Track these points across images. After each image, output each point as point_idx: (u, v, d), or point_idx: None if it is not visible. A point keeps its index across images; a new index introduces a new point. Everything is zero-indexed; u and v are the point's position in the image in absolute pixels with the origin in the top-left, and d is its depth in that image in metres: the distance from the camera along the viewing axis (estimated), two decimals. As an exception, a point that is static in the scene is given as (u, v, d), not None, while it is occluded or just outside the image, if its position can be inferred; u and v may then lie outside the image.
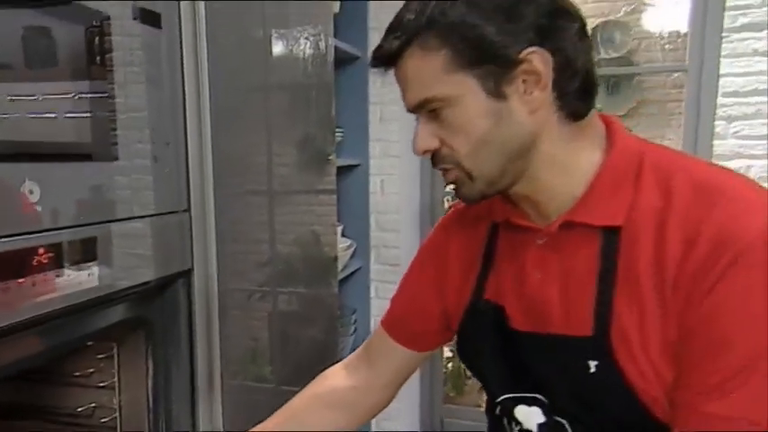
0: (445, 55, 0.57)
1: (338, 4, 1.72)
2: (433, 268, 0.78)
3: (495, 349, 0.67)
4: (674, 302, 0.54)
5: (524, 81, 0.57)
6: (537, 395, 0.64)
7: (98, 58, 0.71)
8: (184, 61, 0.88)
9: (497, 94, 0.57)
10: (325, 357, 1.43)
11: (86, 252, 0.71)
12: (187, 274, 0.91)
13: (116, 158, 0.75)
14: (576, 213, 0.60)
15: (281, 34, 1.20)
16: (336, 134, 1.68)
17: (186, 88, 0.88)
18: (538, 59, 0.56)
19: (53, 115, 0.66)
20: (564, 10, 0.58)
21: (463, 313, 0.72)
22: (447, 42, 0.56)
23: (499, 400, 0.68)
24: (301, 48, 1.28)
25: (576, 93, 0.58)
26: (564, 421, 0.63)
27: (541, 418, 0.64)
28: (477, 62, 0.56)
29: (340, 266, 1.70)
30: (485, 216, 0.71)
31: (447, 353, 2.52)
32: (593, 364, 0.58)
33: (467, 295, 0.72)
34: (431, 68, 0.57)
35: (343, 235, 1.87)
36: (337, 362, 0.88)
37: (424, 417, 2.20)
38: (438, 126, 0.60)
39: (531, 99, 0.57)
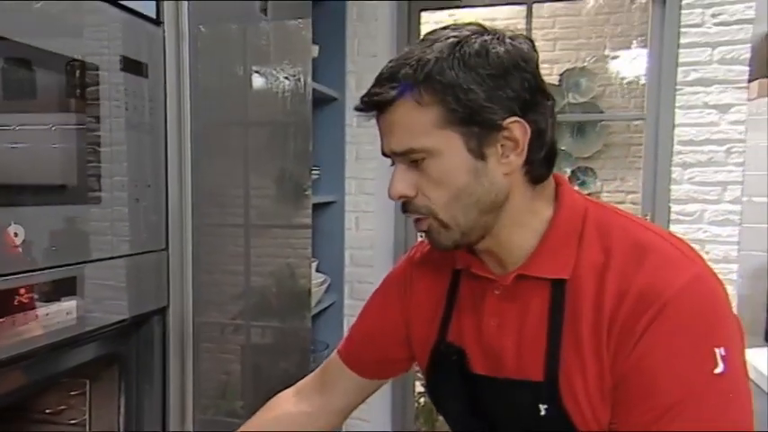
0: (437, 111, 0.60)
1: (317, 48, 1.79)
2: (398, 299, 0.80)
3: (457, 389, 0.71)
4: (608, 351, 0.59)
5: (503, 145, 0.62)
6: None
7: (86, 106, 0.76)
8: (168, 108, 0.92)
9: (478, 153, 0.61)
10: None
11: (66, 291, 0.74)
12: (162, 311, 0.94)
13: (99, 201, 0.79)
14: (528, 267, 0.65)
15: (261, 72, 1.25)
16: (313, 172, 1.73)
17: (168, 133, 0.93)
18: (518, 128, 0.61)
19: (38, 157, 0.70)
20: (542, 88, 0.63)
21: (429, 353, 0.75)
22: (441, 100, 0.60)
23: None
24: (281, 86, 1.34)
25: (542, 160, 0.64)
26: None
27: None
28: (465, 122, 0.60)
29: (314, 301, 1.72)
30: (449, 260, 0.75)
31: (419, 388, 2.54)
32: (543, 408, 0.62)
33: (432, 335, 0.75)
34: (421, 121, 0.61)
35: (317, 270, 1.90)
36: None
37: (396, 452, 2.20)
38: (417, 175, 0.63)
39: (507, 162, 0.62)
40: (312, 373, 0.89)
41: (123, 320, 0.85)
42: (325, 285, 1.90)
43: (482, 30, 0.63)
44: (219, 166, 1.11)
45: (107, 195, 0.80)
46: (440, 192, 0.63)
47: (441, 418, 2.80)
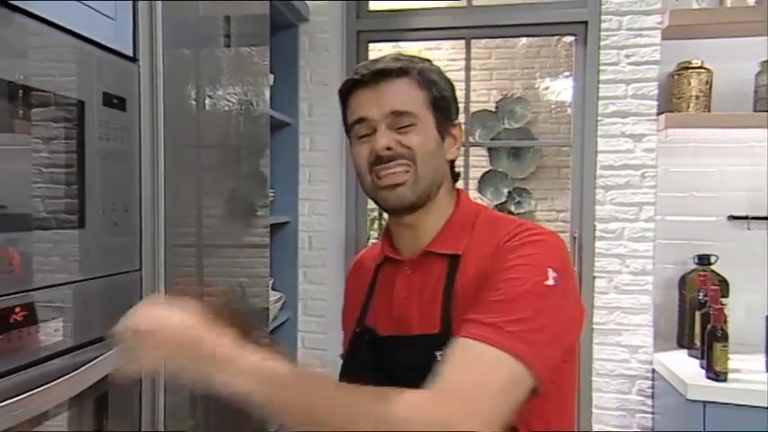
0: (427, 94, 0.83)
1: (272, 77, 1.88)
2: (346, 307, 1.00)
3: (366, 364, 0.84)
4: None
5: (450, 138, 0.86)
6: None
7: (75, 142, 0.82)
8: (142, 136, 0.99)
9: (441, 136, 0.85)
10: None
11: (56, 310, 0.79)
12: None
13: (83, 226, 0.85)
14: (433, 246, 0.84)
15: (217, 96, 1.31)
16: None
17: (143, 160, 0.99)
18: (458, 129, 0.88)
19: (31, 187, 0.76)
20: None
21: (350, 340, 0.90)
22: (427, 88, 0.83)
23: None
24: (236, 110, 1.40)
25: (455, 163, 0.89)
26: None
27: None
28: (437, 110, 0.84)
29: (269, 318, 1.78)
30: (372, 263, 0.94)
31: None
32: (438, 354, 0.70)
33: (354, 324, 0.91)
34: (419, 96, 0.83)
35: (273, 288, 1.96)
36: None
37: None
38: (398, 138, 0.81)
39: (451, 152, 0.87)
40: None
41: (101, 338, 0.90)
42: (281, 303, 1.97)
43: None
44: (186, 188, 1.17)
45: (90, 219, 0.86)
46: (419, 149, 0.81)
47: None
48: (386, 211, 0.88)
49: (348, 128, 0.88)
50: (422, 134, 0.82)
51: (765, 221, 1.93)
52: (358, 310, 0.92)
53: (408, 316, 0.82)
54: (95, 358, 0.84)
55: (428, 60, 0.87)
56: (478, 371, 0.65)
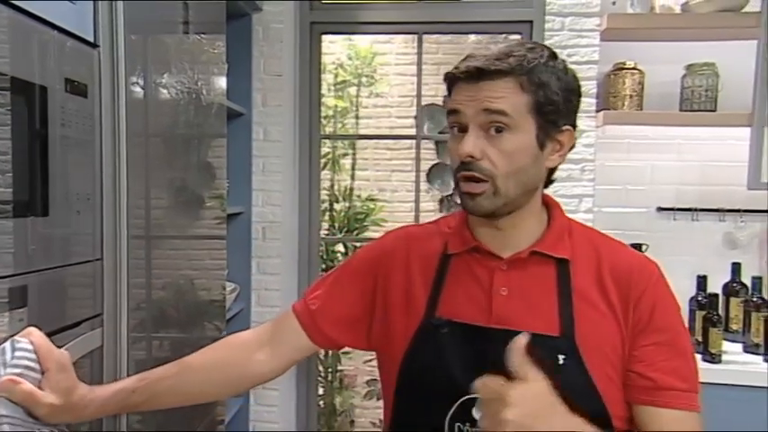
0: (530, 98, 0.76)
1: (226, 66, 1.86)
2: (372, 279, 0.89)
3: (456, 356, 0.79)
4: (624, 313, 0.79)
5: (554, 145, 0.79)
6: None
7: (37, 128, 0.81)
8: (103, 123, 0.98)
9: (541, 144, 0.77)
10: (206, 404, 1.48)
11: (20, 299, 0.78)
12: (97, 317, 0.98)
13: (47, 214, 0.83)
14: (541, 247, 0.82)
15: (172, 85, 1.28)
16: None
17: (104, 148, 0.98)
18: (568, 135, 0.80)
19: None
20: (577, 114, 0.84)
21: (415, 332, 0.82)
22: (534, 91, 0.76)
23: (459, 402, 0.77)
24: (192, 99, 1.38)
25: (555, 169, 0.84)
26: None
27: None
28: (542, 115, 0.76)
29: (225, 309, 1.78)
30: (438, 249, 0.87)
31: (321, 390, 2.65)
32: (561, 358, 0.73)
33: (416, 316, 0.83)
34: (519, 100, 0.75)
35: (227, 279, 1.95)
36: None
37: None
38: (487, 143, 0.76)
39: (551, 159, 0.80)
40: (264, 326, 0.95)
41: (67, 327, 0.89)
42: (235, 293, 1.96)
43: (556, 53, 0.81)
44: (147, 177, 1.16)
45: (54, 207, 0.85)
46: (505, 162, 0.76)
47: (339, 419, 2.95)
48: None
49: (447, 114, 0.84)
50: (513, 140, 0.76)
51: (690, 212, 2.10)
52: (403, 305, 0.85)
53: (512, 313, 0.79)
54: (59, 347, 0.83)
55: (554, 55, 0.79)
56: None
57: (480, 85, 0.76)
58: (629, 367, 0.79)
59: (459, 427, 0.77)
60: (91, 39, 0.95)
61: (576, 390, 0.73)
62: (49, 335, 0.82)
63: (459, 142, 0.78)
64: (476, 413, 0.74)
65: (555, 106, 0.77)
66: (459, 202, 0.84)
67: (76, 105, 0.90)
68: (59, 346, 0.82)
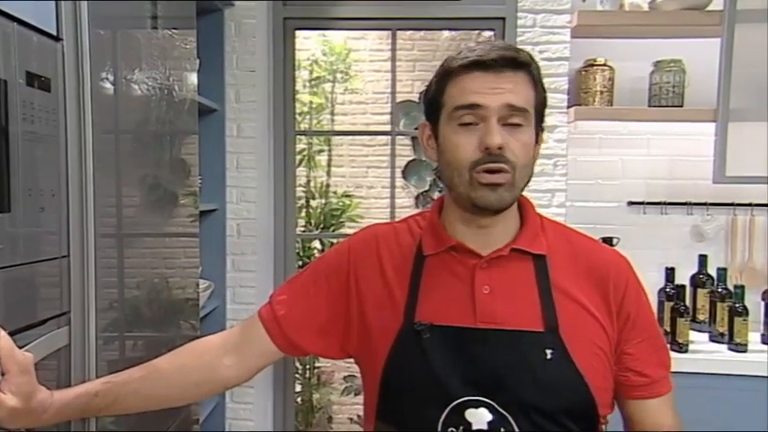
0: (534, 94, 0.79)
1: (197, 62, 1.84)
2: (341, 283, 0.86)
3: (443, 360, 0.77)
4: (606, 314, 0.82)
5: (538, 142, 0.82)
6: (480, 398, 0.76)
7: (-1, 120, 0.79)
8: (68, 118, 0.96)
9: (536, 138, 0.81)
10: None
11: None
12: (63, 315, 0.96)
13: (8, 210, 0.82)
14: (520, 243, 0.83)
15: (143, 80, 1.26)
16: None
17: (69, 144, 0.96)
18: (543, 135, 0.84)
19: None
20: None
21: (396, 337, 0.80)
22: (536, 88, 0.79)
23: (451, 406, 0.76)
24: (164, 95, 1.36)
25: None
26: (508, 416, 0.75)
27: (489, 416, 0.75)
28: (537, 113, 0.80)
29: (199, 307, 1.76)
30: (411, 248, 0.85)
31: (298, 387, 2.64)
32: (549, 352, 0.75)
33: (395, 319, 0.81)
34: (528, 94, 0.78)
35: (201, 276, 1.93)
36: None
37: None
38: (508, 135, 0.76)
39: (535, 156, 0.82)
40: (231, 330, 0.94)
41: (31, 326, 0.87)
42: (210, 291, 1.94)
43: None
44: (118, 174, 1.14)
45: (16, 203, 0.83)
46: (522, 154, 0.77)
47: (317, 415, 2.95)
48: (473, 208, 0.80)
49: (440, 109, 0.81)
50: (526, 136, 0.77)
51: (659, 206, 2.15)
52: (380, 307, 0.84)
53: (497, 311, 0.79)
54: (23, 347, 0.81)
55: None
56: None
57: (504, 76, 0.76)
58: (625, 366, 0.82)
59: (452, 431, 0.76)
60: (54, 32, 0.93)
61: (564, 382, 0.76)
62: (13, 333, 0.81)
63: (472, 134, 0.76)
64: (470, 416, 0.75)
65: (545, 105, 0.82)
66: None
67: (40, 100, 0.88)
68: (23, 345, 0.81)
